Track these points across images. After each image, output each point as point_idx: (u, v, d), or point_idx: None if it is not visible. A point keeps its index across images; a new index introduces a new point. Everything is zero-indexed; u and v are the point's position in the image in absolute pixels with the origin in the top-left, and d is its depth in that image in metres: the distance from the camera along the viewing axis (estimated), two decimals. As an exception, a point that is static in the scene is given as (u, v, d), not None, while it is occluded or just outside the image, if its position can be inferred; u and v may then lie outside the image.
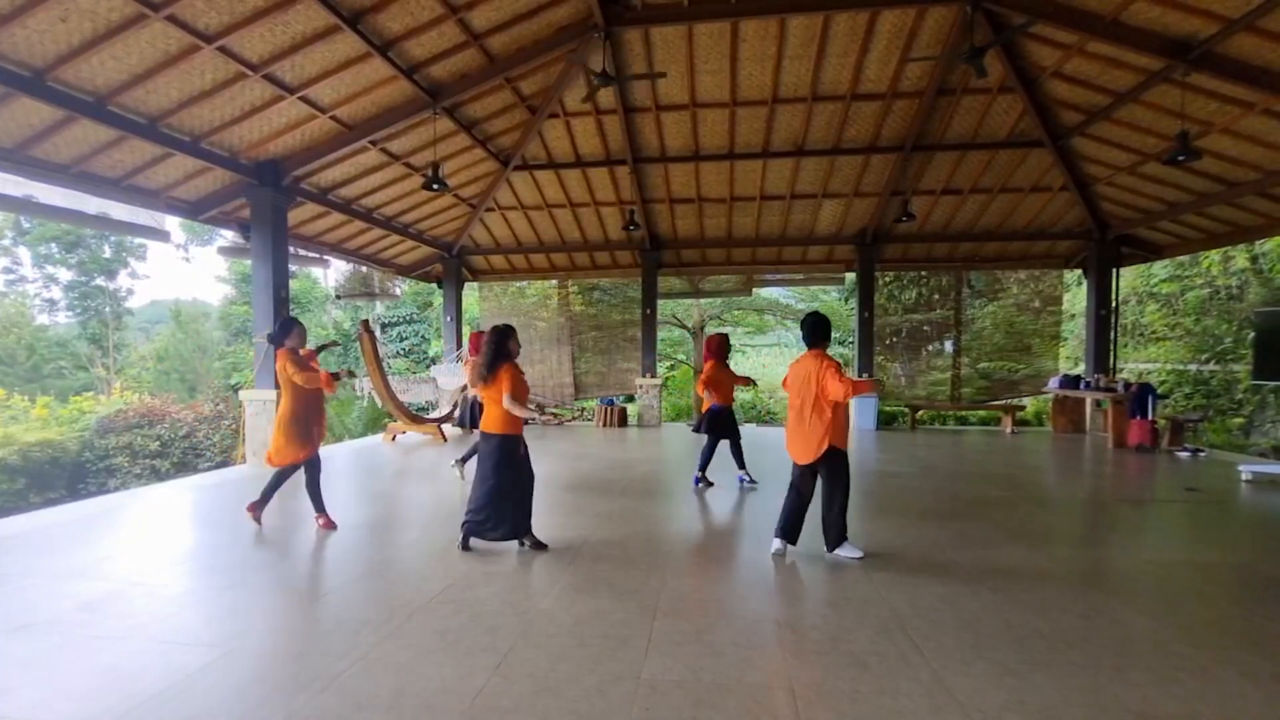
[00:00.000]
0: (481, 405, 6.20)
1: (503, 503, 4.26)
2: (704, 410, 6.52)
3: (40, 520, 5.30)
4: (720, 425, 6.38)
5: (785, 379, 4.40)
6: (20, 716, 2.42)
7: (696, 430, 6.71)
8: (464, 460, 6.86)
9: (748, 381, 6.73)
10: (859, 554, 4.18)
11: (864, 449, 9.20)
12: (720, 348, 6.46)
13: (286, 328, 4.94)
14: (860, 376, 11.63)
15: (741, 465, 6.49)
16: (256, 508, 5.01)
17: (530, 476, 4.45)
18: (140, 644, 2.99)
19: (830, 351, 4.27)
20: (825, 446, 4.04)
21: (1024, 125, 9.07)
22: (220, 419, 16.04)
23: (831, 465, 4.14)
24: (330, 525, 4.93)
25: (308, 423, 4.87)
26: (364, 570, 4.08)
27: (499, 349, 4.30)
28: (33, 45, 5.05)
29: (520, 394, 4.28)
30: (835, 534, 4.22)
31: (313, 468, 4.94)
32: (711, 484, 6.45)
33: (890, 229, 11.41)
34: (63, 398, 17.99)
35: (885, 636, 3.04)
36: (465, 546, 4.37)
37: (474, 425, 6.50)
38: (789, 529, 4.23)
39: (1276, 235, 9.85)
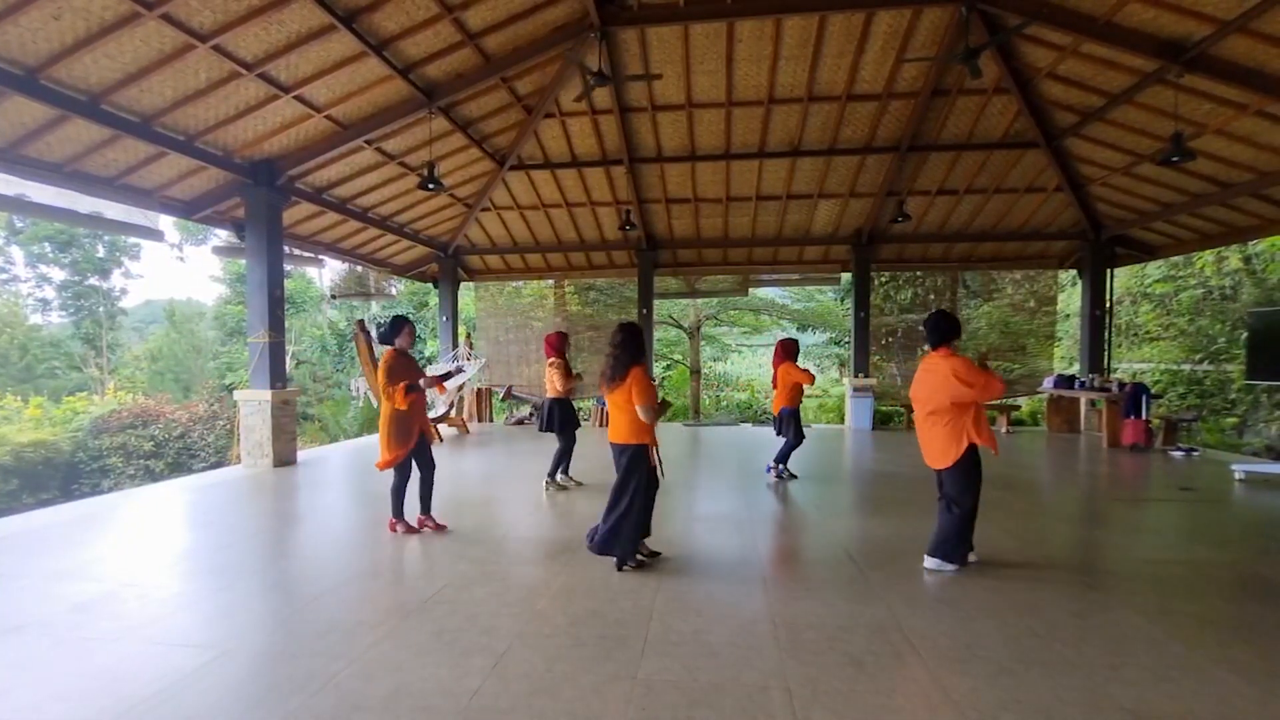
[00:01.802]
0: (554, 407, 6.22)
1: (642, 518, 3.99)
2: (788, 412, 6.77)
3: (33, 521, 5.28)
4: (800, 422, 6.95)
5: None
6: (14, 719, 2.41)
7: (786, 432, 6.86)
8: (554, 472, 6.42)
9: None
10: (954, 567, 3.95)
11: (861, 449, 9.22)
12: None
13: (397, 326, 4.74)
14: (860, 376, 11.67)
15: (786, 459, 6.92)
16: (397, 517, 4.87)
17: (655, 486, 4.09)
18: (134, 645, 2.98)
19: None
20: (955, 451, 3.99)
21: (1019, 126, 9.10)
22: (215, 419, 15.99)
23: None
24: (437, 527, 4.88)
25: (410, 422, 4.73)
26: (360, 571, 4.07)
27: (634, 347, 3.95)
28: (25, 43, 5.03)
29: (652, 401, 3.89)
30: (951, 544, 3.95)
31: (427, 467, 4.91)
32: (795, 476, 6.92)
33: (886, 229, 11.43)
34: (56, 398, 17.93)
35: (881, 636, 3.04)
36: (621, 566, 3.97)
37: (549, 428, 6.34)
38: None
39: (1270, 235, 9.90)
